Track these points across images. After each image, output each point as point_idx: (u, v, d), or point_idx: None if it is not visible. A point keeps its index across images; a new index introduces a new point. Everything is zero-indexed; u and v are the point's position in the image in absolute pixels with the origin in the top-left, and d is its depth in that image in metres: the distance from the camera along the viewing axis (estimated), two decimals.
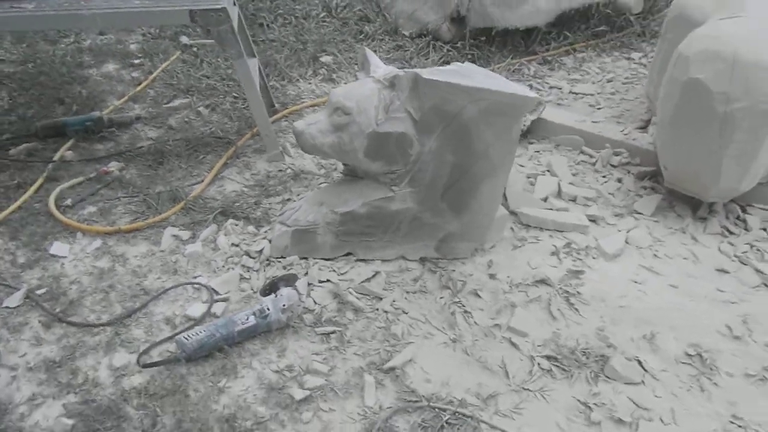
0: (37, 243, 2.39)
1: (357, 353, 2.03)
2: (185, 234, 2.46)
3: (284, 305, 2.03)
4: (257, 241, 2.43)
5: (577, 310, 2.25)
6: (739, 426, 1.86)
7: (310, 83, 3.81)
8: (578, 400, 1.93)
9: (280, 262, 2.32)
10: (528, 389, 1.95)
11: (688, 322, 2.22)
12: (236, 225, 2.51)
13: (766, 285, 2.42)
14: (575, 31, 4.52)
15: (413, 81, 2.05)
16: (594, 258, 2.51)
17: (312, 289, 2.23)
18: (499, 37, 4.21)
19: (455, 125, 2.11)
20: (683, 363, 2.07)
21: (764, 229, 2.72)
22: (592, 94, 3.86)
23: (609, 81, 4.06)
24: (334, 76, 3.88)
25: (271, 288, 2.10)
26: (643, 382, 2.00)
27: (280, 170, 2.93)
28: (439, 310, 2.21)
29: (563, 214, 2.68)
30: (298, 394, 1.85)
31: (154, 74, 3.74)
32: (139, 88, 3.59)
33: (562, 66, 4.26)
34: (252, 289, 2.22)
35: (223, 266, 2.32)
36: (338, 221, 2.27)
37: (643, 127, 3.42)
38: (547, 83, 3.99)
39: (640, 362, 2.05)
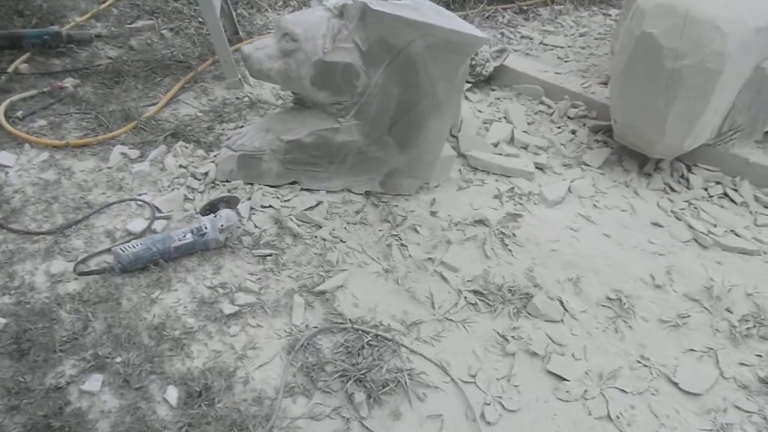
0: None
1: (291, 276, 2.10)
2: (134, 153, 2.48)
3: (222, 225, 2.08)
4: (205, 164, 2.46)
5: (510, 251, 2.33)
6: (644, 366, 1.98)
7: (278, 14, 3.75)
8: (497, 333, 2.02)
9: (224, 185, 2.36)
10: (451, 319, 2.04)
11: (614, 269, 2.31)
12: (186, 147, 2.52)
13: (695, 240, 2.51)
14: None
15: (361, 11, 2.05)
16: (535, 204, 2.58)
17: (254, 213, 2.27)
18: None
19: (402, 59, 2.12)
20: (603, 306, 2.17)
21: (705, 189, 2.80)
22: (562, 47, 3.86)
23: (582, 35, 4.06)
24: (304, 7, 3.81)
25: (211, 208, 2.15)
26: (562, 320, 2.10)
27: (237, 98, 2.92)
28: (376, 242, 2.28)
29: (511, 160, 2.73)
30: (228, 309, 1.93)
31: None
32: (103, 6, 3.52)
33: (538, 17, 4.23)
34: (195, 210, 2.26)
35: (169, 186, 2.35)
36: (284, 149, 2.30)
37: (606, 82, 3.44)
38: (519, 33, 3.98)
39: (561, 302, 2.15)
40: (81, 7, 3.52)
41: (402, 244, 2.29)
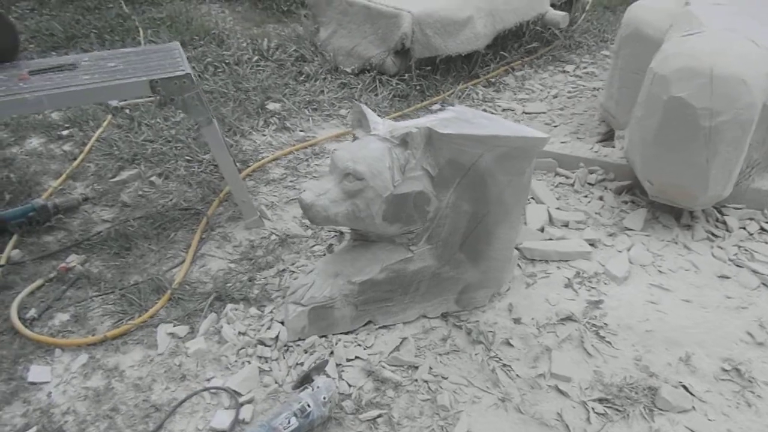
0: (9, 371, 2.04)
1: None
2: (182, 330, 2.20)
3: (325, 398, 1.84)
4: (265, 324, 2.21)
5: (609, 342, 2.22)
6: None
7: (264, 135, 3.60)
8: None
9: (299, 345, 2.12)
10: None
11: (713, 335, 2.24)
12: (236, 309, 2.28)
13: (764, 284, 2.51)
14: (510, 50, 4.60)
15: (427, 136, 1.94)
16: (606, 284, 2.50)
17: (342, 371, 2.04)
18: (442, 64, 4.20)
19: (471, 175, 2.02)
20: (723, 380, 2.09)
21: (743, 228, 2.84)
22: (544, 112, 3.93)
23: (555, 97, 4.16)
24: (287, 124, 3.69)
25: (303, 381, 1.90)
26: (693, 407, 1.99)
27: (263, 237, 2.71)
28: (478, 369, 2.10)
29: (565, 243, 2.66)
30: None
31: (89, 145, 3.38)
32: (75, 163, 3.23)
33: (506, 86, 4.31)
34: (276, 382, 2.00)
35: (237, 361, 2.08)
36: (357, 291, 2.11)
37: (604, 140, 3.50)
38: (499, 106, 4.01)
39: (685, 387, 2.04)
40: (52, 168, 3.22)
41: (504, 365, 2.12)
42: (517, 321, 2.30)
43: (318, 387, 1.86)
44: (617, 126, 3.32)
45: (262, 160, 3.28)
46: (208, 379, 2.02)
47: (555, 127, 3.75)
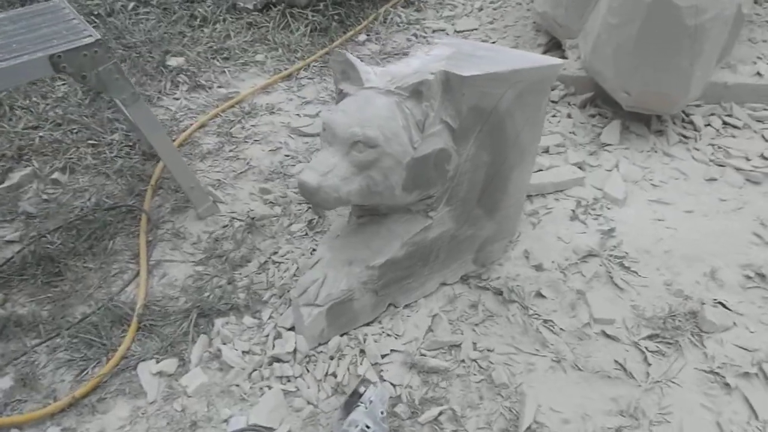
0: None
1: (480, 427, 1.65)
2: (170, 364, 1.77)
3: (382, 412, 1.55)
4: (269, 333, 1.85)
5: (635, 272, 2.11)
6: None
7: (176, 98, 3.02)
8: (703, 371, 1.80)
9: (322, 352, 1.79)
10: (659, 381, 1.77)
11: (724, 243, 2.21)
12: (228, 323, 1.88)
13: (749, 180, 2.50)
14: None
15: (444, 82, 1.59)
16: (609, 209, 2.37)
17: (382, 370, 1.75)
18: None
19: (492, 120, 1.72)
20: (750, 288, 2.05)
21: (708, 125, 2.82)
22: (476, 29, 3.65)
23: (480, 10, 3.88)
24: (200, 80, 3.11)
25: (352, 396, 1.59)
26: (734, 323, 1.94)
27: (224, 226, 2.26)
28: (521, 332, 1.90)
29: (556, 172, 2.48)
30: None
31: None
32: None
33: (426, 4, 3.95)
34: (310, 403, 1.67)
35: (252, 388, 1.72)
36: (377, 275, 1.79)
37: (547, 52, 3.31)
38: (428, 27, 3.67)
39: (722, 304, 1.98)
40: None
41: (544, 321, 1.94)
42: (538, 268, 2.11)
43: (371, 401, 1.57)
44: (565, 35, 3.12)
45: (185, 130, 2.74)
46: (226, 420, 1.64)
47: (493, 43, 3.48)
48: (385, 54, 3.38)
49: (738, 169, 2.54)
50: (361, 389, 1.60)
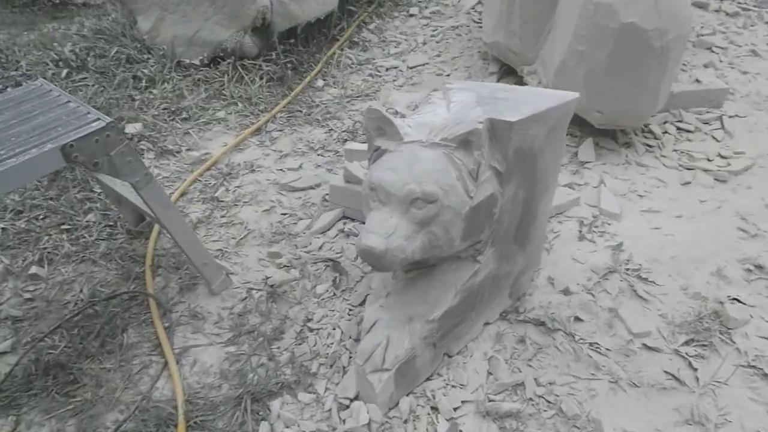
0: None
1: None
2: None
3: None
4: (330, 407, 1.75)
5: (653, 282, 2.21)
6: None
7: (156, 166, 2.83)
8: (741, 366, 1.91)
9: (396, 417, 1.72)
10: (709, 384, 1.86)
11: (718, 242, 2.38)
12: (285, 404, 1.76)
13: (717, 179, 2.72)
14: (353, 4, 4.26)
15: (491, 130, 1.61)
16: (609, 224, 2.48)
17: (459, 425, 1.72)
18: (302, 34, 3.71)
19: (528, 158, 1.76)
20: (753, 281, 2.22)
21: (665, 132, 3.04)
22: (427, 63, 3.73)
23: (424, 44, 3.97)
24: (166, 146, 2.95)
25: None
26: (751, 316, 2.08)
27: (243, 299, 2.14)
28: (574, 359, 1.93)
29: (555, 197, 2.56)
30: None
31: None
32: None
33: (369, 43, 4.00)
34: None
35: None
36: (436, 328, 1.76)
37: (500, 80, 3.45)
38: (381, 66, 3.71)
39: (737, 299, 2.13)
40: None
41: (590, 344, 1.99)
42: (566, 292, 2.17)
43: None
44: (520, 62, 3.26)
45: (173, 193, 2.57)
46: None
47: (448, 76, 3.58)
48: (348, 97, 3.37)
49: (705, 171, 2.75)
50: None
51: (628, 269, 2.25)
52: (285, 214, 2.54)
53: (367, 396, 1.72)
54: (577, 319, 2.07)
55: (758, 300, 2.13)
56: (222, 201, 2.61)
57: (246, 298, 2.14)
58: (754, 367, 1.91)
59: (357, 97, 3.36)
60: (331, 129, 3.10)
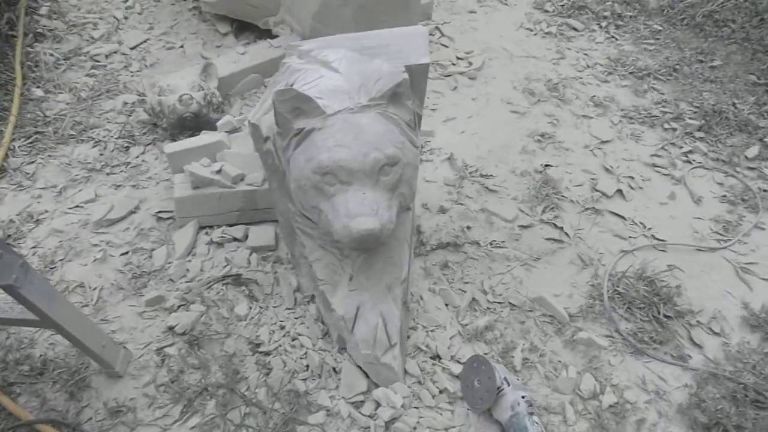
0: None
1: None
2: None
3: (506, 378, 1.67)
4: (347, 412, 1.65)
5: (490, 174, 2.56)
6: None
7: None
8: (584, 211, 2.44)
9: (414, 381, 1.71)
10: (576, 234, 2.32)
11: (508, 127, 2.85)
12: None
13: (469, 78, 3.19)
14: None
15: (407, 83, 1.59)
16: (429, 141, 2.72)
17: (458, 358, 1.80)
18: None
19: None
20: (546, 145, 2.77)
21: None
22: (148, 39, 3.28)
23: (126, 18, 3.45)
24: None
25: (481, 388, 1.64)
26: (567, 172, 2.63)
27: (160, 364, 1.74)
28: (490, 261, 2.17)
29: None
30: None
31: None
32: None
33: (58, 31, 3.29)
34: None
35: None
36: (406, 287, 1.77)
37: (236, 37, 3.29)
38: (98, 55, 3.11)
39: (549, 165, 2.64)
40: None
41: (490, 243, 2.25)
42: (443, 210, 2.36)
43: (504, 378, 1.66)
44: (262, 15, 3.13)
45: None
46: None
47: (182, 48, 3.22)
48: (85, 100, 2.75)
49: (460, 74, 3.18)
50: (476, 375, 1.65)
51: (471, 173, 2.54)
52: (126, 253, 2.06)
53: (385, 379, 1.66)
54: (468, 228, 2.28)
55: (557, 159, 2.66)
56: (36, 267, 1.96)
57: (162, 361, 1.74)
58: (591, 208, 2.42)
59: (98, 97, 2.78)
60: (98, 141, 2.53)
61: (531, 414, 1.59)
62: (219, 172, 2.09)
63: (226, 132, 2.26)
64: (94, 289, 1.93)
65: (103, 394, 1.65)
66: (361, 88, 1.58)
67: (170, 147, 2.15)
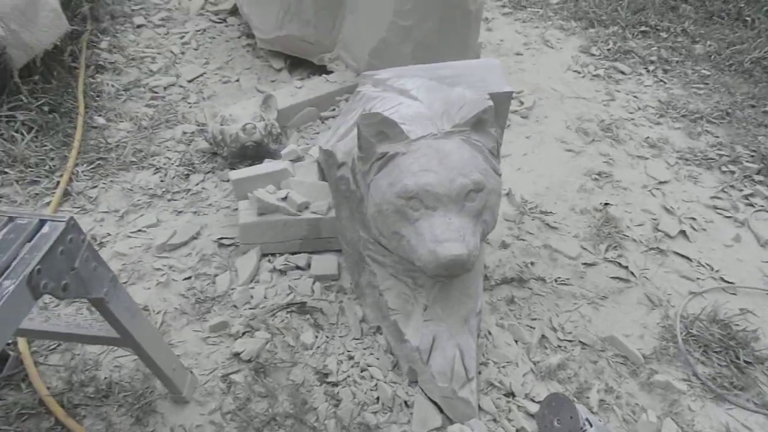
0: None
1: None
2: None
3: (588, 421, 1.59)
4: None
5: (550, 212, 2.52)
6: None
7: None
8: (649, 250, 2.38)
9: (489, 418, 1.63)
10: (642, 274, 2.26)
11: (562, 165, 2.82)
12: None
13: (522, 117, 3.19)
14: (71, 22, 3.51)
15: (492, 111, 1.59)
16: None
17: (533, 397, 1.73)
18: (41, 67, 2.91)
19: None
20: (604, 185, 2.73)
21: None
22: (204, 72, 3.36)
23: (183, 54, 3.54)
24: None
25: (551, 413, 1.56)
26: (626, 212, 2.58)
27: (224, 393, 1.69)
28: (556, 298, 2.11)
29: None
30: None
31: None
32: None
33: (117, 64, 3.39)
34: None
35: None
36: (480, 318, 1.72)
37: (290, 72, 3.35)
38: (157, 87, 3.18)
39: (608, 203, 2.59)
40: None
41: (555, 280, 2.19)
42: (504, 246, 2.32)
43: (586, 418, 1.57)
44: (318, 51, 3.20)
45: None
46: None
47: (237, 81, 3.29)
48: (146, 129, 2.80)
49: (513, 112, 3.18)
50: (556, 415, 1.57)
51: (530, 209, 2.50)
52: (188, 278, 2.05)
53: (462, 415, 1.59)
54: (531, 263, 2.23)
55: (615, 199, 2.62)
56: None
57: (228, 388, 1.69)
58: (656, 248, 2.36)
59: (157, 126, 2.83)
60: (158, 168, 2.56)
61: None
62: (284, 199, 2.08)
63: (290, 161, 2.27)
64: (158, 312, 1.91)
65: (169, 420, 1.61)
66: (443, 114, 1.57)
67: (235, 174, 2.16)
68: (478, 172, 1.48)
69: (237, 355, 1.77)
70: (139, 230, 2.23)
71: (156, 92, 3.12)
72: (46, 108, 2.74)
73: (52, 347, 1.78)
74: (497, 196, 1.55)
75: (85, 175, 2.48)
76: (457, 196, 1.44)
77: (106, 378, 1.70)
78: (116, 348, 1.79)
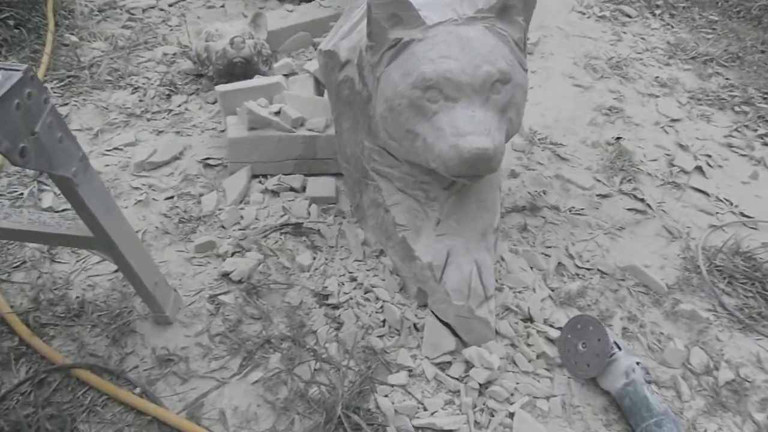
0: None
1: None
2: None
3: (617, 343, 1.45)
4: (433, 374, 1.42)
5: (561, 143, 2.36)
6: None
7: None
8: (662, 183, 2.24)
9: (507, 342, 1.48)
10: (659, 207, 2.12)
11: (571, 99, 2.66)
12: (386, 395, 1.36)
13: (527, 53, 3.01)
14: None
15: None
16: None
17: (552, 322, 1.59)
18: None
19: None
20: (615, 119, 2.57)
21: None
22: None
23: None
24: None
25: (590, 349, 1.41)
26: (639, 147, 2.43)
27: (212, 314, 1.52)
28: (571, 226, 1.96)
29: None
30: None
31: None
32: None
33: None
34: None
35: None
36: (497, 233, 1.56)
37: None
38: (135, 8, 2.92)
39: (619, 137, 2.45)
40: None
41: (569, 209, 2.04)
42: (514, 174, 2.16)
43: (614, 340, 1.44)
44: None
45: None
46: None
47: (222, 7, 3.04)
48: (122, 49, 2.56)
49: None
50: (581, 338, 1.43)
51: (540, 140, 2.34)
52: (171, 197, 1.85)
53: (478, 336, 1.44)
54: (544, 192, 2.08)
55: (627, 134, 2.47)
56: (64, 210, 1.75)
57: (217, 310, 1.52)
58: (672, 182, 2.22)
59: (136, 47, 2.59)
60: (137, 87, 2.33)
61: (649, 383, 1.36)
62: (278, 113, 1.88)
63: (284, 75, 2.06)
64: (138, 231, 1.72)
65: (150, 341, 1.43)
66: (465, 1, 1.38)
67: (222, 87, 1.95)
68: (504, 61, 1.30)
69: (226, 275, 1.59)
70: (116, 148, 2.02)
71: (133, 14, 2.86)
72: (11, 22, 2.48)
73: (16, 264, 1.58)
74: (524, 93, 1.37)
75: (55, 92, 2.25)
76: (482, 85, 1.27)
77: (78, 297, 1.51)
78: (89, 267, 1.60)
